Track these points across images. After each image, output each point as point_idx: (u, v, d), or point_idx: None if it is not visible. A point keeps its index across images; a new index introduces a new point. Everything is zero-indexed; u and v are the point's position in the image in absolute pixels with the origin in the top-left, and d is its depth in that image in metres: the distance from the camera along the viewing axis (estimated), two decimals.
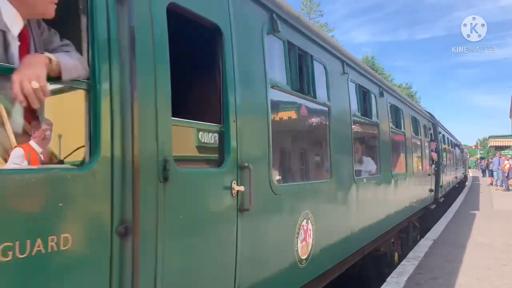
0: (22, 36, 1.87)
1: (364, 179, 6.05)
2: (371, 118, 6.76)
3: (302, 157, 4.84)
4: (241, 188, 2.94)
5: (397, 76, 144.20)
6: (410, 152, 9.64)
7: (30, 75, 1.68)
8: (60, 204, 1.76)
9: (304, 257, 3.99)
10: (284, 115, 4.16)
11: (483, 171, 45.65)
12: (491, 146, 62.03)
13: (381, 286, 6.17)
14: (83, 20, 1.99)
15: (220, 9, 2.95)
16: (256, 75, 3.38)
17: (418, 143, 11.17)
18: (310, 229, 4.11)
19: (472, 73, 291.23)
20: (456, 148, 26.01)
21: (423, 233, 11.48)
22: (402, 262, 7.68)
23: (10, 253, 1.57)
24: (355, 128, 5.84)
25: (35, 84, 1.66)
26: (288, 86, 3.92)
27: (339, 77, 5.33)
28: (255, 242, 3.18)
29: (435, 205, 13.73)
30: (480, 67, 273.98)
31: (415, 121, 10.94)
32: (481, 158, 64.51)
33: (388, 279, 6.58)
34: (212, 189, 2.75)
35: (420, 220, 12.18)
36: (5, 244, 1.56)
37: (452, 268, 7.32)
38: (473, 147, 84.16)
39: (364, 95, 6.49)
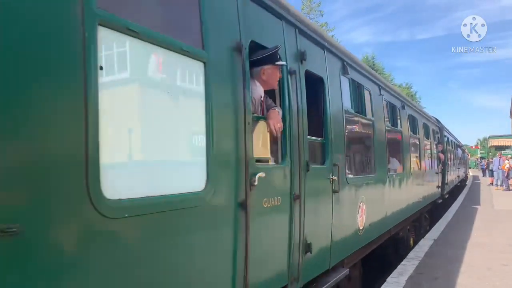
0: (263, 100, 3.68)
1: (393, 175, 7.84)
2: (396, 127, 8.57)
3: (359, 158, 6.62)
4: (335, 177, 4.72)
5: (397, 76, 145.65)
6: (423, 153, 11.48)
7: (277, 120, 3.51)
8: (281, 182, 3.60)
9: (361, 227, 5.78)
10: (350, 130, 5.92)
11: (483, 171, 45.87)
12: (491, 146, 62.28)
13: (381, 286, 6.33)
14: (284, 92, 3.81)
15: (323, 67, 4.75)
16: (337, 104, 5.16)
17: (429, 145, 13.01)
18: (364, 209, 5.89)
19: (473, 73, 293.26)
20: (458, 149, 27.74)
21: (431, 225, 13.23)
22: (402, 262, 7.71)
23: (266, 202, 3.36)
24: (387, 135, 7.62)
25: (279, 125, 3.50)
26: (352, 109, 5.72)
27: (377, 98, 7.13)
28: (339, 213, 4.96)
29: (441, 200, 15.58)
30: (481, 67, 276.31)
31: (426, 127, 12.78)
32: (481, 158, 65.62)
33: (388, 279, 6.62)
34: (323, 177, 4.53)
35: (428, 213, 13.97)
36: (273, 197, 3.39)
37: (452, 268, 7.31)
38: (473, 147, 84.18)
39: (392, 110, 8.30)
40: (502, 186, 27.08)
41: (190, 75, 2.67)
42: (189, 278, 2.57)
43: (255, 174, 3.14)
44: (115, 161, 2.09)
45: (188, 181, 2.61)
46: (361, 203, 5.80)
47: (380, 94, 7.29)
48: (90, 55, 1.89)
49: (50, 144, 1.77)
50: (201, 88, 2.69)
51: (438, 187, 14.55)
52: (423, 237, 10.63)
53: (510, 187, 26.13)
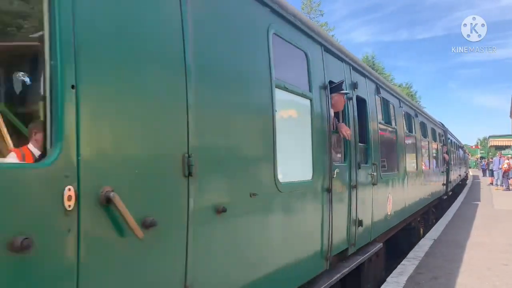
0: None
1: (410, 173, 9.48)
2: (412, 133, 10.23)
3: (387, 159, 8.32)
4: (374, 173, 6.35)
5: (397, 76, 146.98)
6: (431, 155, 13.21)
7: (346, 129, 5.27)
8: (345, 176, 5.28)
9: (389, 213, 7.41)
10: (382, 137, 7.58)
11: (484, 171, 46.09)
12: (491, 146, 62.38)
13: (381, 285, 6.46)
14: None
15: (365, 91, 6.40)
16: (374, 117, 6.81)
17: (435, 147, 14.70)
18: (390, 199, 7.56)
19: (473, 73, 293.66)
20: (460, 150, 29.06)
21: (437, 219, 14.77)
22: (402, 262, 7.83)
23: (339, 189, 5.00)
24: (405, 140, 9.26)
25: (349, 131, 5.23)
26: (383, 121, 7.38)
27: (398, 110, 8.77)
28: (376, 201, 6.62)
29: (446, 196, 17.26)
30: (481, 67, 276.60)
31: (433, 131, 14.61)
32: (481, 158, 66.65)
33: (388, 279, 6.70)
34: (367, 173, 6.21)
35: (434, 207, 15.62)
36: (342, 186, 5.07)
37: (452, 267, 7.35)
38: (474, 147, 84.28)
39: (409, 119, 10.00)
40: (502, 186, 27.31)
41: (304, 108, 4.31)
42: (305, 232, 4.26)
43: (334, 170, 4.78)
44: (280, 161, 3.71)
45: (305, 174, 4.26)
46: (389, 194, 7.44)
47: (400, 107, 8.94)
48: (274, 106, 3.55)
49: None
50: (309, 117, 4.34)
51: (443, 184, 16.21)
52: (429, 230, 11.82)
53: (510, 187, 26.33)
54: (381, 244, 6.86)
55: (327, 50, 4.99)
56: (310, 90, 4.37)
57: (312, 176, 4.31)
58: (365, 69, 6.61)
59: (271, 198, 3.53)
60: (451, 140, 21.14)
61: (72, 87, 1.87)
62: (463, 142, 39.18)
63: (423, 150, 11.96)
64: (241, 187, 3.15)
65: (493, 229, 11.53)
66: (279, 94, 3.66)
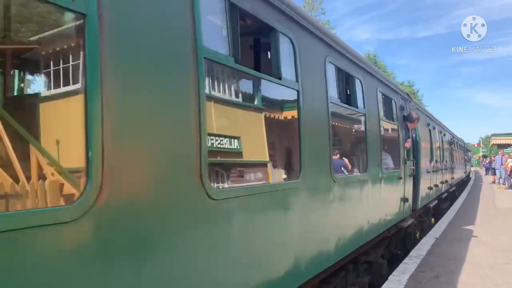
0: None
1: (426, 171, 11.97)
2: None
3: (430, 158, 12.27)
4: (414, 167, 9.40)
5: (399, 74, 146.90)
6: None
7: (408, 143, 9.01)
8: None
9: (423, 196, 10.95)
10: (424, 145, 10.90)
11: (487, 169, 45.45)
12: (493, 144, 61.71)
13: (383, 285, 6.47)
14: None
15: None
16: (425, 136, 9.87)
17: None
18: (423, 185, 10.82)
19: (475, 71, 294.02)
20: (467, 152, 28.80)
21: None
22: (404, 260, 7.86)
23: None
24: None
25: (408, 144, 8.90)
26: (423, 136, 10.65)
27: (424, 128, 12.12)
28: (420, 185, 10.11)
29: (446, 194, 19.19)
30: (483, 65, 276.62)
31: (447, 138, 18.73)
32: (484, 156, 66.55)
33: (390, 277, 6.67)
34: (410, 167, 9.13)
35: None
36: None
37: (454, 266, 7.36)
38: (476, 145, 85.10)
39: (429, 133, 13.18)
40: (505, 184, 27.26)
41: (396, 132, 8.25)
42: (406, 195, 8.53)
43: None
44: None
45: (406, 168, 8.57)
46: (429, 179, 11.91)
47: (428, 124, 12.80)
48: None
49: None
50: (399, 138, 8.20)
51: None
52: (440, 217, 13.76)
53: None
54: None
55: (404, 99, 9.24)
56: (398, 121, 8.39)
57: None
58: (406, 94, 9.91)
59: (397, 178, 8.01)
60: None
61: None
62: (466, 141, 38.66)
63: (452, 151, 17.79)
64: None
65: (495, 228, 11.57)
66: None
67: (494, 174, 31.63)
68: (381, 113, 7.17)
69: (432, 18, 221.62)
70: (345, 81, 5.58)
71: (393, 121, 8.13)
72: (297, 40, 4.05)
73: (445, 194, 17.10)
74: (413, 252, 8.52)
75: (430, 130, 13.00)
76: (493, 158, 38.45)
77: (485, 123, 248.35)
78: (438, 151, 14.81)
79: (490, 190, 25.80)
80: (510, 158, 27.71)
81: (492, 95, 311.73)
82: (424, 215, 12.41)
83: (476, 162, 72.24)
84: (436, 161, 13.79)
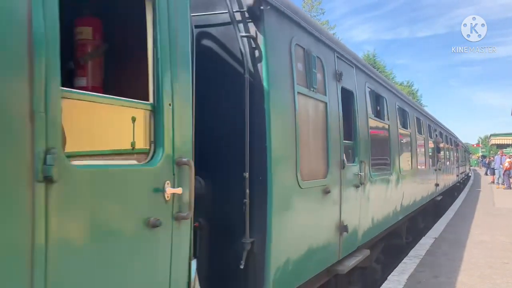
0: None
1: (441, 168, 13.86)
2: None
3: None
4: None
5: (398, 74, 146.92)
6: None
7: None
8: None
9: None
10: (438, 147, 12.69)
11: (487, 169, 44.57)
12: (492, 144, 61.19)
13: (382, 284, 6.39)
14: None
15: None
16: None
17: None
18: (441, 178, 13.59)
19: (474, 71, 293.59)
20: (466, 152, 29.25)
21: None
22: (403, 260, 7.82)
23: None
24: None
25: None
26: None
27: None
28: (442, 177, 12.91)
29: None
30: (482, 65, 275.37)
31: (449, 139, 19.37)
32: (483, 156, 66.72)
33: (389, 277, 6.63)
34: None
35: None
36: None
37: (453, 266, 7.34)
38: (475, 145, 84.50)
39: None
40: (504, 184, 27.08)
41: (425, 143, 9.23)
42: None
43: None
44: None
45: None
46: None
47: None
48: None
49: None
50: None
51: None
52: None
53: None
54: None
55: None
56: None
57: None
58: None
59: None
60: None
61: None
62: (464, 141, 38.58)
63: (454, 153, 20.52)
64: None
65: (494, 228, 11.64)
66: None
67: (493, 174, 31.67)
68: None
69: (432, 18, 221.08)
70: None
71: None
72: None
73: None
74: (412, 252, 8.53)
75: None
76: (492, 158, 38.49)
77: (484, 123, 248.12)
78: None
79: (489, 190, 25.90)
80: (509, 158, 27.36)
81: (491, 95, 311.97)
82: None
83: (475, 162, 72.37)
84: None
